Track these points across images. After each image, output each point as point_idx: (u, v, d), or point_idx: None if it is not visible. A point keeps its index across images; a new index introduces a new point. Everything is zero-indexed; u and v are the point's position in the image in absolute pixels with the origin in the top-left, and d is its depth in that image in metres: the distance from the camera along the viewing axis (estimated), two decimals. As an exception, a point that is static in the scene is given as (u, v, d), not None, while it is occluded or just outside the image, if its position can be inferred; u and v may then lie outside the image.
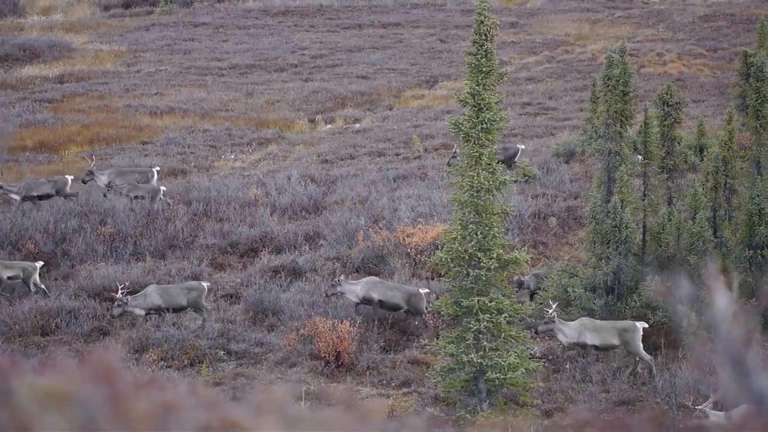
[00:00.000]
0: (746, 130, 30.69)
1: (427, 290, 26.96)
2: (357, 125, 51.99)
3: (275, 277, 29.25)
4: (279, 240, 31.97)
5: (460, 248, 22.67)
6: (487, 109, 22.74)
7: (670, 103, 27.83)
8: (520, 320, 24.06)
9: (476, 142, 22.76)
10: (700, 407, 20.43)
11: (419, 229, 30.77)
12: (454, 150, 39.36)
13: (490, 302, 22.48)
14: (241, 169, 41.85)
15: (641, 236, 27.14)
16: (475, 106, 22.78)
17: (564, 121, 50.30)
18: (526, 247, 26.91)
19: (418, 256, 29.79)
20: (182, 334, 25.81)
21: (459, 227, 22.87)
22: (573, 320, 25.11)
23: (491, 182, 22.75)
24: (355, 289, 26.51)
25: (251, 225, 33.03)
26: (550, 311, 24.66)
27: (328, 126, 52.14)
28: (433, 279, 28.57)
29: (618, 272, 26.33)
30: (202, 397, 3.92)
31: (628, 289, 26.35)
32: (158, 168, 31.94)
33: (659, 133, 27.64)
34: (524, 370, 22.48)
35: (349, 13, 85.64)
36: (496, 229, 22.82)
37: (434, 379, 23.04)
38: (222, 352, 25.68)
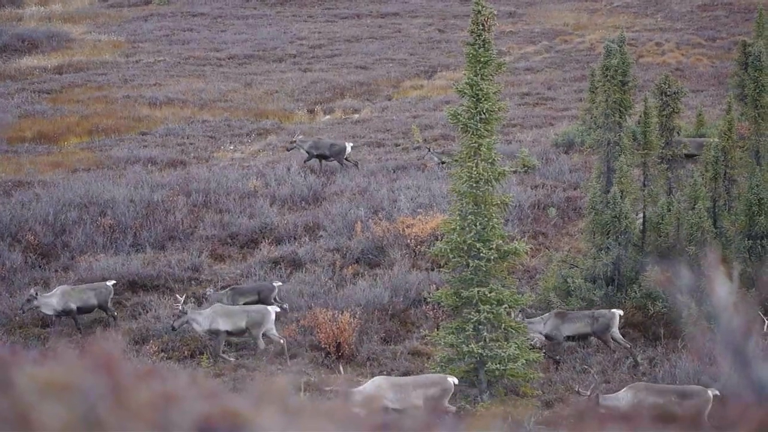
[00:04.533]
0: (745, 119, 30.67)
1: (280, 283, 26.90)
2: (356, 116, 51.97)
3: (275, 268, 29.25)
4: (279, 231, 31.97)
5: (459, 239, 22.66)
6: (485, 100, 22.71)
7: (669, 93, 27.83)
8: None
9: (475, 133, 22.74)
10: (583, 391, 20.84)
11: (419, 219, 30.77)
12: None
13: (489, 293, 22.48)
14: (241, 160, 41.82)
15: (641, 227, 27.15)
16: (473, 97, 22.75)
17: (563, 111, 50.27)
18: (525, 238, 26.94)
19: (418, 247, 29.79)
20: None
21: (458, 218, 22.86)
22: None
23: (490, 173, 22.73)
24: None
25: (251, 216, 33.02)
26: (179, 305, 24.78)
27: (327, 116, 52.12)
28: (433, 270, 28.57)
29: (618, 263, 26.35)
30: (203, 388, 3.92)
31: (628, 279, 26.37)
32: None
33: (658, 123, 27.64)
34: (524, 361, 22.49)
35: (348, 3, 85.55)
36: (495, 219, 22.81)
37: (434, 369, 23.05)
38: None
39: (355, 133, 46.87)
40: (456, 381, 21.48)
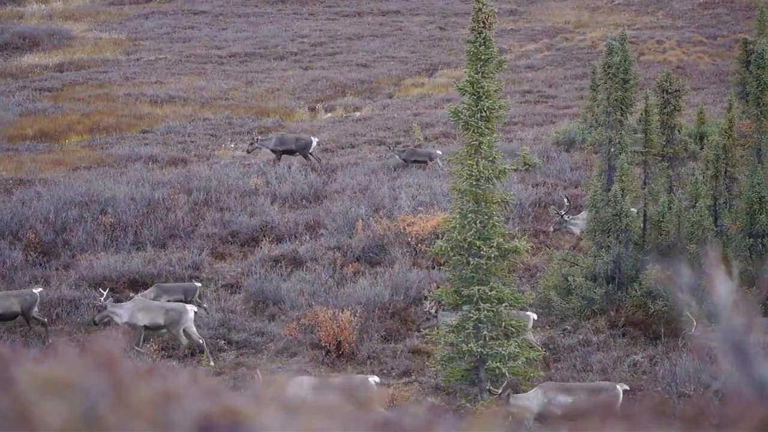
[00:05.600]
0: (746, 117, 30.66)
1: (199, 284, 26.93)
2: (357, 113, 51.99)
3: (276, 266, 29.25)
4: (279, 229, 31.97)
5: (459, 237, 22.65)
6: (486, 98, 22.70)
7: (670, 91, 27.81)
8: None
9: (476, 131, 22.73)
10: (494, 390, 21.02)
11: (420, 218, 30.77)
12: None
13: (490, 291, 22.48)
14: (242, 158, 41.82)
15: (641, 225, 27.15)
16: (474, 95, 22.74)
17: (564, 109, 50.28)
18: (526, 236, 26.92)
19: (419, 245, 29.80)
20: (183, 323, 25.83)
21: (458, 216, 22.86)
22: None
23: (491, 171, 22.72)
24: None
25: (252, 214, 33.02)
26: (101, 299, 25.02)
27: (329, 114, 52.13)
28: (433, 268, 28.58)
29: (618, 261, 26.35)
30: (203, 386, 3.92)
31: (629, 277, 26.37)
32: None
33: (659, 121, 27.64)
34: (525, 360, 22.49)
35: (349, 0, 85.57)
36: (495, 218, 22.81)
37: (435, 368, 23.06)
38: (223, 342, 25.70)
39: (356, 131, 46.89)
40: (378, 380, 21.38)
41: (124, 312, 25.10)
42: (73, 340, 25.44)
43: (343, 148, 43.70)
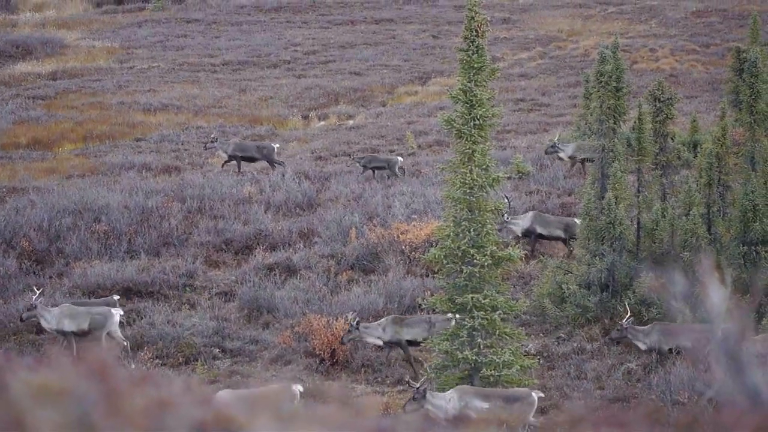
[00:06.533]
0: (739, 125, 30.71)
1: (117, 297, 26.81)
2: (350, 122, 51.98)
3: (270, 274, 29.23)
4: (273, 237, 31.95)
5: (453, 245, 22.65)
6: (479, 106, 22.71)
7: (662, 99, 27.85)
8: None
9: (469, 139, 22.74)
10: (413, 383, 21.06)
11: (413, 226, 30.76)
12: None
13: (484, 299, 22.47)
14: (235, 166, 41.78)
15: (635, 233, 27.17)
16: (467, 103, 22.75)
17: (557, 117, 50.32)
18: (519, 244, 26.93)
19: (413, 253, 29.79)
20: (177, 332, 25.81)
21: (452, 224, 22.86)
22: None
23: (484, 179, 22.73)
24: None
25: (245, 222, 33.00)
26: (35, 297, 25.15)
27: (322, 122, 52.12)
28: (427, 276, 28.57)
29: (612, 269, 26.36)
30: (197, 394, 3.92)
31: (623, 285, 26.38)
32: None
33: (652, 130, 27.67)
34: (519, 367, 22.48)
35: (342, 9, 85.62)
36: (489, 226, 22.81)
37: (429, 376, 23.04)
38: (217, 350, 25.68)
39: (350, 139, 46.88)
40: (301, 389, 21.27)
41: (51, 318, 25.15)
42: (67, 349, 25.38)
43: (336, 156, 43.70)
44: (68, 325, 25.07)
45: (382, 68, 64.39)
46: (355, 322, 24.77)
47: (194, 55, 68.84)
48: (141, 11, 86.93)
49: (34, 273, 29.52)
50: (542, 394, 21.46)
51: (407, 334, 24.85)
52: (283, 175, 37.54)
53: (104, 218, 32.32)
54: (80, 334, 25.17)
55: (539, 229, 30.76)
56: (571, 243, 29.84)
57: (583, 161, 37.13)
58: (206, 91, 57.88)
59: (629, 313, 24.59)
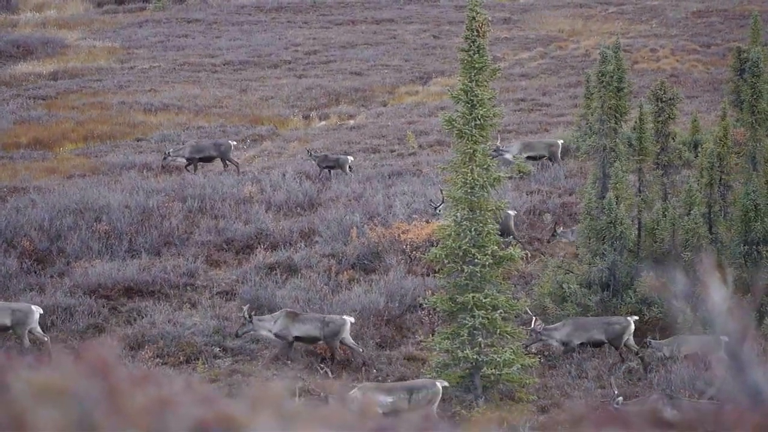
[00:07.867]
0: (740, 125, 30.70)
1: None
2: (351, 122, 51.96)
3: (271, 273, 29.22)
4: (274, 237, 31.95)
5: (454, 245, 22.66)
6: (480, 106, 22.72)
7: (664, 99, 27.85)
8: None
9: (470, 139, 22.75)
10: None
11: (414, 225, 30.76)
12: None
13: (485, 298, 22.48)
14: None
15: (636, 232, 27.17)
16: (468, 103, 22.76)
17: (558, 117, 50.30)
18: (521, 244, 26.93)
19: (414, 252, 29.79)
20: (178, 331, 25.81)
21: (453, 224, 22.87)
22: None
23: (485, 179, 22.74)
24: None
25: (246, 222, 33.00)
26: None
27: (323, 122, 52.11)
28: (428, 275, 28.56)
29: (613, 268, 26.36)
30: (198, 393, 3.92)
31: (624, 285, 26.38)
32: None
33: (653, 130, 27.67)
34: (520, 366, 22.49)
35: (342, 9, 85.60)
36: (490, 225, 22.82)
37: (430, 375, 23.05)
38: (217, 349, 25.68)
39: (351, 139, 46.89)
40: (446, 384, 21.44)
41: None
42: (68, 347, 25.39)
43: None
44: None
45: (382, 68, 64.37)
46: (248, 315, 24.79)
47: (195, 55, 68.82)
48: (142, 11, 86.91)
49: (35, 272, 29.52)
50: (446, 384, 21.67)
51: (297, 330, 24.83)
52: (284, 175, 37.53)
53: (105, 218, 32.32)
54: (2, 330, 25.32)
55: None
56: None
57: (530, 159, 38.95)
58: (207, 91, 57.87)
59: (534, 318, 24.77)
